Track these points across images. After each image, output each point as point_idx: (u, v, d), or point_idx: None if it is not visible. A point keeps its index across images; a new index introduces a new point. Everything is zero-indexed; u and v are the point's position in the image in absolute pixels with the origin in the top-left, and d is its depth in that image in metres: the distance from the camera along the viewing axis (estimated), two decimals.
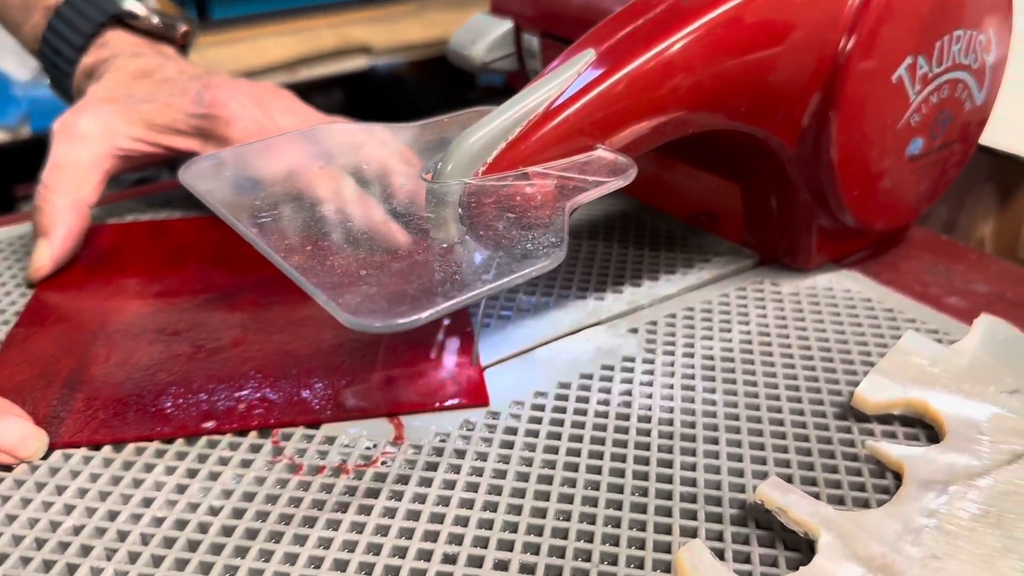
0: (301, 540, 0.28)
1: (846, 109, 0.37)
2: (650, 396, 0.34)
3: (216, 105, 0.44)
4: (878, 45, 0.36)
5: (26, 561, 0.27)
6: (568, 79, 0.33)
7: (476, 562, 0.27)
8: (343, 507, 0.29)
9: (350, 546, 0.28)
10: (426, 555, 0.27)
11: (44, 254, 0.42)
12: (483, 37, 0.48)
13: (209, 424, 0.33)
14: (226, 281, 0.42)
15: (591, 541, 0.28)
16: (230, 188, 0.33)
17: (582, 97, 0.32)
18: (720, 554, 0.27)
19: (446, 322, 0.38)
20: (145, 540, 0.28)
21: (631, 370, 0.36)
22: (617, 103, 0.33)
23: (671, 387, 0.35)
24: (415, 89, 1.36)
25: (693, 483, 0.30)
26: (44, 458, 0.32)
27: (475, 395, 0.34)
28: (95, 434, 0.32)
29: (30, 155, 1.21)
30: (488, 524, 0.28)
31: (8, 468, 0.31)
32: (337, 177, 0.34)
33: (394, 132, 0.36)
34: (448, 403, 0.33)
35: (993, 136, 0.51)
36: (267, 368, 0.35)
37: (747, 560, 0.27)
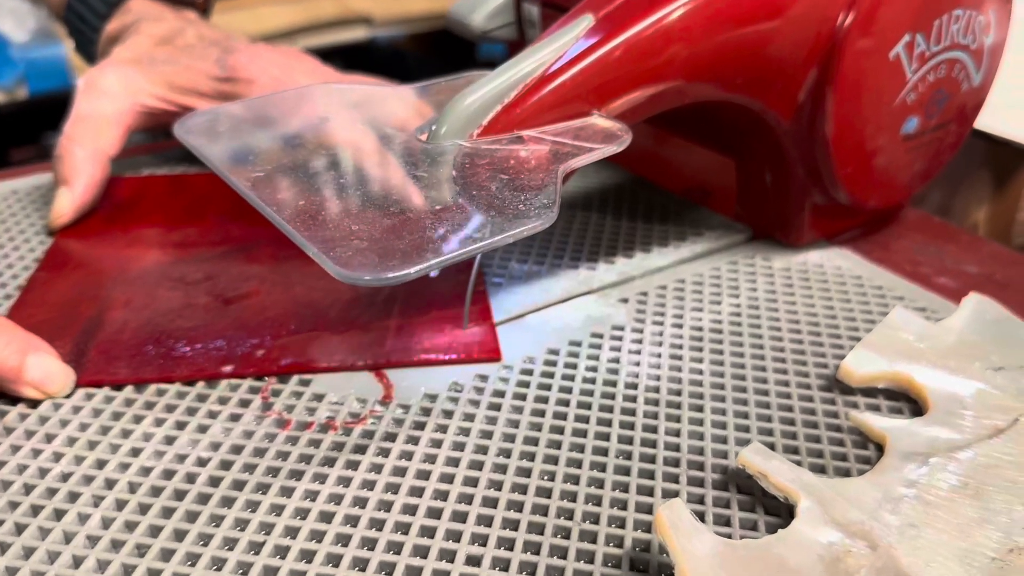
0: (288, 492, 0.28)
1: (843, 85, 0.37)
2: (638, 364, 0.35)
3: (238, 68, 0.45)
4: (877, 22, 0.36)
5: (14, 505, 0.28)
6: (565, 44, 0.33)
7: (460, 517, 0.27)
8: (330, 462, 0.29)
9: (336, 499, 0.28)
10: (411, 509, 0.28)
11: (65, 202, 0.43)
12: (483, 5, 0.48)
13: (228, 368, 0.33)
14: (244, 234, 0.42)
15: (574, 500, 0.28)
16: (227, 143, 0.33)
17: (579, 63, 0.32)
18: (701, 516, 0.28)
19: (457, 278, 0.38)
20: (132, 488, 0.28)
21: (620, 338, 0.36)
22: (614, 70, 0.33)
23: (659, 356, 0.35)
24: (414, 63, 1.36)
25: (677, 448, 0.30)
26: (34, 406, 0.32)
27: (489, 350, 0.34)
28: (115, 375, 0.33)
29: (26, 119, 1.21)
30: (473, 482, 0.29)
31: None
32: (339, 133, 0.35)
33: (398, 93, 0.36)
34: (462, 357, 0.34)
35: (989, 121, 0.52)
36: (285, 318, 0.36)
37: (727, 523, 0.28)
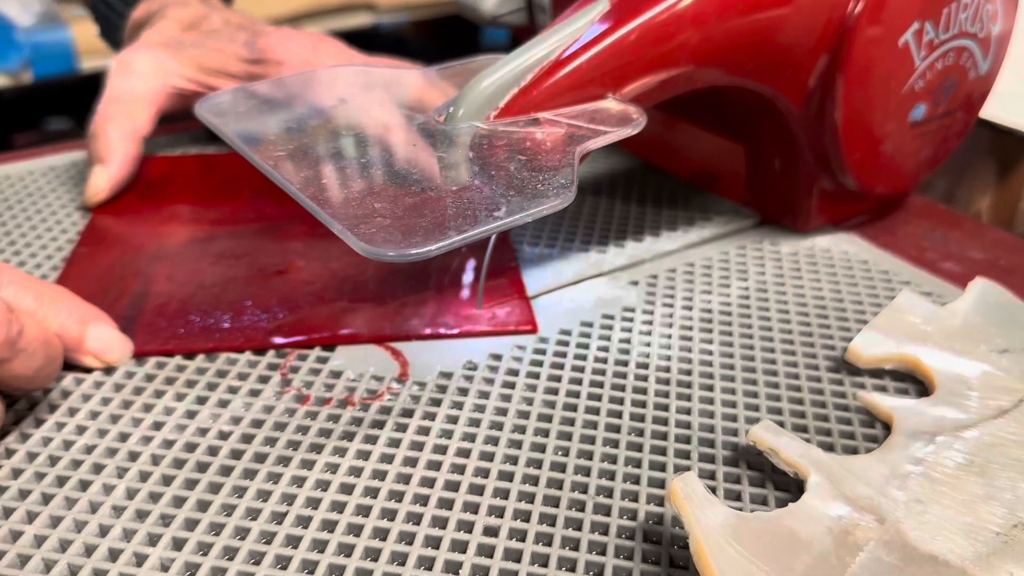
0: (308, 465, 0.29)
1: (852, 72, 0.37)
2: (648, 344, 0.35)
3: (267, 51, 0.45)
4: (886, 9, 0.37)
5: (40, 476, 0.28)
6: (581, 28, 0.33)
7: (477, 490, 0.28)
8: (349, 436, 0.30)
9: (356, 472, 0.29)
10: (429, 482, 0.28)
11: (102, 179, 0.43)
12: None
13: (277, 339, 0.34)
14: (277, 212, 0.43)
15: (588, 475, 0.29)
16: (247, 122, 0.33)
17: (594, 47, 0.33)
18: (713, 491, 0.28)
19: (488, 253, 0.39)
20: (156, 461, 0.29)
21: (631, 320, 0.37)
22: (628, 54, 0.34)
23: (669, 337, 0.36)
24: (418, 50, 1.36)
25: (688, 426, 0.31)
26: (58, 380, 0.32)
27: (525, 322, 0.36)
28: (164, 345, 0.34)
29: (31, 103, 1.21)
30: (489, 456, 0.29)
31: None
32: (358, 113, 0.35)
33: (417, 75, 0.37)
34: (500, 328, 0.35)
35: (994, 111, 0.52)
36: (327, 291, 0.37)
37: (738, 498, 0.28)
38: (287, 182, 0.29)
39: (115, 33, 0.51)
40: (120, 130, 0.44)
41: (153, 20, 0.48)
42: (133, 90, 0.44)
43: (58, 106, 1.23)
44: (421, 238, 0.26)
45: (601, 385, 0.33)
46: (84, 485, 0.28)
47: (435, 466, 0.29)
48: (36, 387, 0.30)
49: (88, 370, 0.33)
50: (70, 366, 0.33)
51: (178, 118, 0.48)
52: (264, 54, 0.45)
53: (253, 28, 0.47)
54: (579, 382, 0.33)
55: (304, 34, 0.47)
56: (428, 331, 0.35)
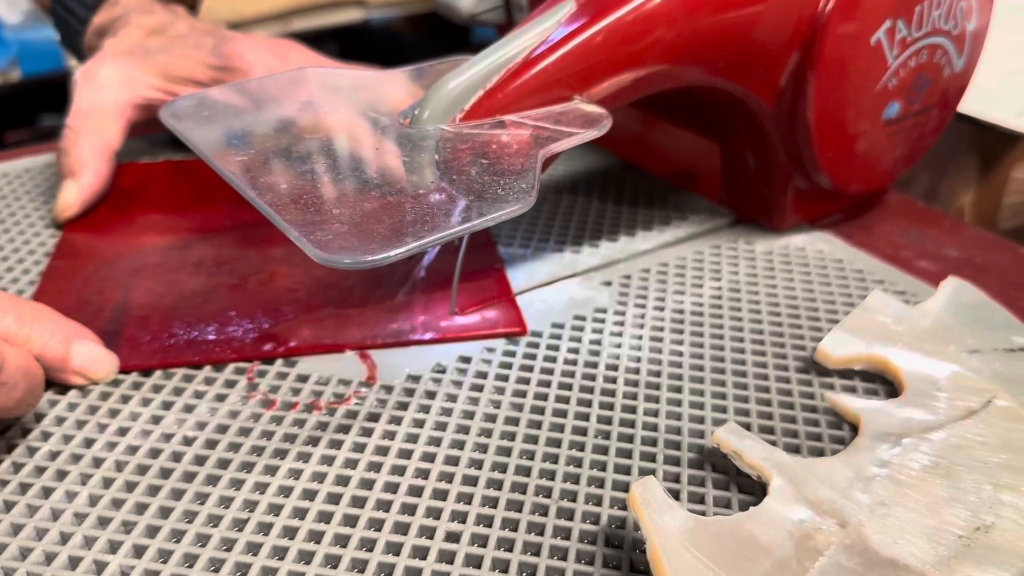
0: (272, 471, 0.29)
1: (824, 70, 0.37)
2: (619, 346, 0.35)
3: (234, 57, 0.45)
4: (858, 7, 0.36)
5: (3, 484, 0.28)
6: (548, 29, 0.33)
7: (440, 495, 0.28)
8: (313, 441, 0.30)
9: (319, 477, 0.29)
10: (392, 488, 0.28)
11: (72, 194, 0.43)
12: None
13: (267, 347, 0.34)
14: (256, 218, 0.42)
15: (552, 479, 0.29)
16: (211, 127, 0.33)
17: (560, 48, 0.33)
18: (676, 494, 0.28)
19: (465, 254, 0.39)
20: (119, 467, 0.29)
21: (602, 321, 0.37)
22: (595, 55, 0.33)
23: (640, 338, 0.36)
24: (409, 45, 1.36)
25: (654, 428, 0.31)
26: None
27: (513, 323, 0.36)
28: (150, 360, 0.33)
29: (20, 101, 1.21)
30: (454, 461, 0.29)
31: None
32: (322, 118, 0.35)
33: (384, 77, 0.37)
34: (489, 331, 0.35)
35: (975, 105, 0.52)
36: (312, 299, 0.37)
37: (701, 501, 0.28)
38: (245, 187, 0.29)
39: (76, 39, 0.50)
40: (91, 145, 0.43)
41: (116, 27, 0.48)
42: (101, 103, 0.44)
43: (47, 103, 1.23)
44: (378, 244, 0.26)
45: (569, 388, 0.33)
46: (47, 492, 0.28)
47: (399, 471, 0.29)
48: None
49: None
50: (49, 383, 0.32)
51: (146, 124, 0.47)
52: (231, 60, 0.45)
53: (219, 34, 0.47)
54: (547, 384, 0.33)
55: (271, 40, 0.47)
56: (416, 336, 0.35)
